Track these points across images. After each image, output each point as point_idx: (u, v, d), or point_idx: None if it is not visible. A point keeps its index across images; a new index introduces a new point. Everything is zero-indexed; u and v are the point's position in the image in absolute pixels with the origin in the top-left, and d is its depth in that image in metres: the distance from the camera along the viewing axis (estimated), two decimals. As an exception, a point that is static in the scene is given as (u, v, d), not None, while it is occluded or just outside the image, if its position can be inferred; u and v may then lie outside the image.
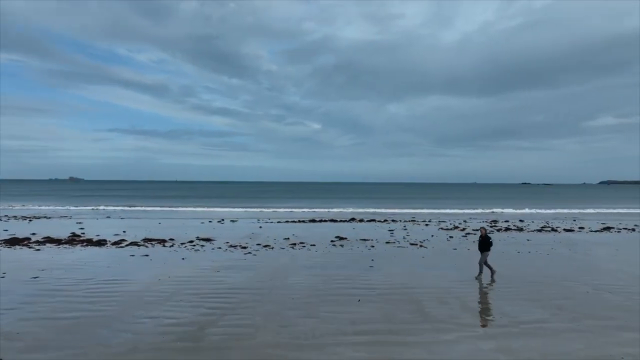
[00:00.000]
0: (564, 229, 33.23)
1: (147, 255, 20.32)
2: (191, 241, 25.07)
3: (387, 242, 25.28)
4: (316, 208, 57.26)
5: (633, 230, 33.33)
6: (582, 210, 56.02)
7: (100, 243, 23.88)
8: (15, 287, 13.96)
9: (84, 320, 10.77)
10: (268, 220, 39.52)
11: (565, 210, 56.06)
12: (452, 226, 34.80)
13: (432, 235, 28.78)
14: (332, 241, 25.63)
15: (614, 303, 12.70)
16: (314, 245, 24.13)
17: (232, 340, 9.53)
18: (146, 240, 25.09)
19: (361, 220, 40.01)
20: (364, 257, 20.39)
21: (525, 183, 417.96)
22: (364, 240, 26.28)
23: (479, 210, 54.98)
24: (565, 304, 12.55)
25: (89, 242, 24.07)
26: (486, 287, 14.70)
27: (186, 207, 59.11)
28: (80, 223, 35.21)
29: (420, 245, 24.05)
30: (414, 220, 39.98)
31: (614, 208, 61.17)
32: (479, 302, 12.79)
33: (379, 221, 39.35)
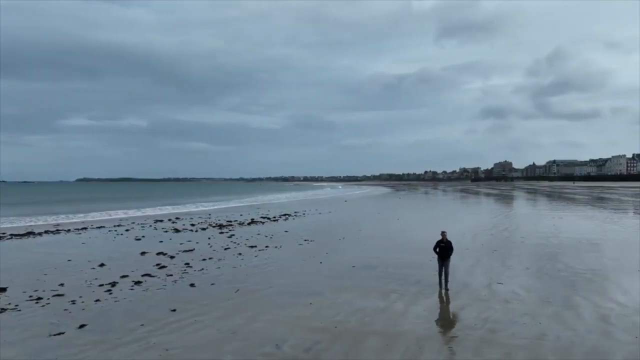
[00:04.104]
0: (275, 218, 36.87)
1: None
2: None
3: (226, 248, 20.68)
4: None
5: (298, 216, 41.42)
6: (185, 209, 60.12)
7: None
8: None
9: None
10: None
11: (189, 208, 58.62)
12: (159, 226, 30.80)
13: (209, 238, 25.29)
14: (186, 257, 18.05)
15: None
16: (188, 263, 16.46)
17: None
18: None
19: (46, 232, 27.40)
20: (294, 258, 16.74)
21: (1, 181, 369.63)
22: (188, 251, 20.02)
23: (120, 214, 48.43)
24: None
25: None
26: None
27: None
28: None
29: (275, 246, 21.44)
30: (114, 226, 31.54)
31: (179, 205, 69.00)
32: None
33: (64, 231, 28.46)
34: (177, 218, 38.59)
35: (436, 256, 12.39)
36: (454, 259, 12.87)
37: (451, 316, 9.94)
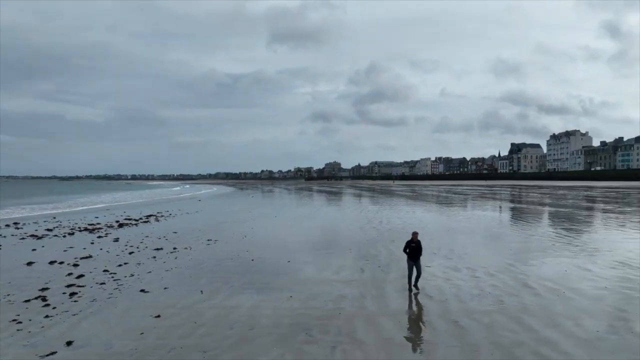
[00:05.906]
0: (139, 221, 34.10)
1: None
2: None
3: (131, 252, 19.09)
4: None
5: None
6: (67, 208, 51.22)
7: None
8: None
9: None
10: None
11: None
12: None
13: (92, 242, 22.94)
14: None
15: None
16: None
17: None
18: None
19: None
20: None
21: None
22: (86, 258, 17.95)
23: None
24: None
25: None
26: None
27: None
28: None
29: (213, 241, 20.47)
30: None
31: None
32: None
33: None
34: (15, 223, 32.82)
35: (406, 257, 12.07)
36: (379, 248, 14.53)
37: (422, 295, 11.50)
